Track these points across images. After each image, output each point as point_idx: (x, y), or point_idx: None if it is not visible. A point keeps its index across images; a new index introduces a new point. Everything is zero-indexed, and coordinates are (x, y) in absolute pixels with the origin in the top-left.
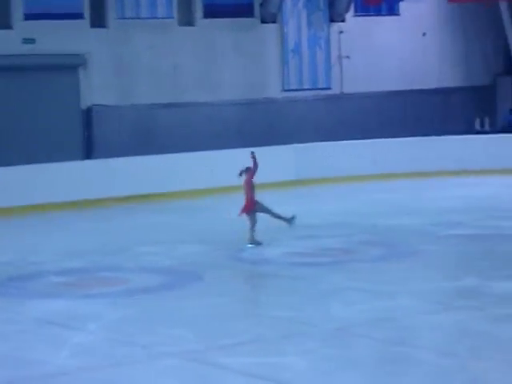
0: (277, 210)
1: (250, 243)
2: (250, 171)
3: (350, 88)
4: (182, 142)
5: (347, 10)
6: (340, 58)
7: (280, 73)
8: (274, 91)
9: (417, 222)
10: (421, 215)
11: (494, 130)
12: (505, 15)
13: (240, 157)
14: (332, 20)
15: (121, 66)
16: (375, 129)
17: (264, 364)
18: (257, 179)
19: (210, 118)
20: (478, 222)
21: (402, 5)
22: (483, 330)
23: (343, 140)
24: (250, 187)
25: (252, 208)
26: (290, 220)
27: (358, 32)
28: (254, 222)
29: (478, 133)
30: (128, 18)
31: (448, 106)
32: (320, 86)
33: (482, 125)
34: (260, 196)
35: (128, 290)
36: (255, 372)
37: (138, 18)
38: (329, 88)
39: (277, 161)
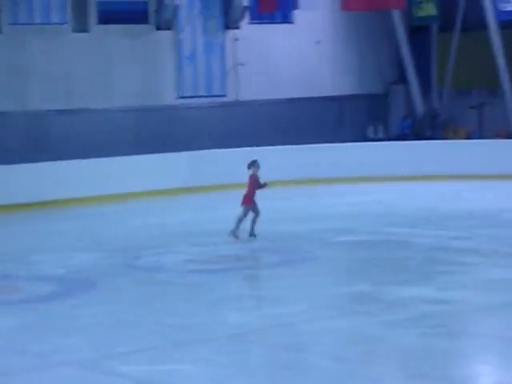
0: (171, 217)
1: (230, 234)
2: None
3: (245, 95)
4: (75, 149)
5: (242, 18)
6: (235, 65)
7: (175, 80)
8: (169, 98)
9: (310, 229)
10: (314, 222)
11: (388, 137)
12: (398, 24)
13: (135, 163)
14: (227, 27)
15: (14, 71)
16: (270, 136)
17: (159, 372)
18: (151, 186)
19: (105, 125)
20: (369, 229)
21: (296, 13)
22: (376, 335)
23: (238, 147)
24: (254, 183)
25: (249, 203)
26: (254, 234)
27: (253, 39)
28: (243, 217)
29: (371, 140)
30: (22, 24)
31: (342, 113)
32: (215, 93)
33: (376, 132)
34: (153, 203)
35: (21, 299)
36: (150, 380)
37: (32, 24)
38: (224, 95)
39: (171, 168)
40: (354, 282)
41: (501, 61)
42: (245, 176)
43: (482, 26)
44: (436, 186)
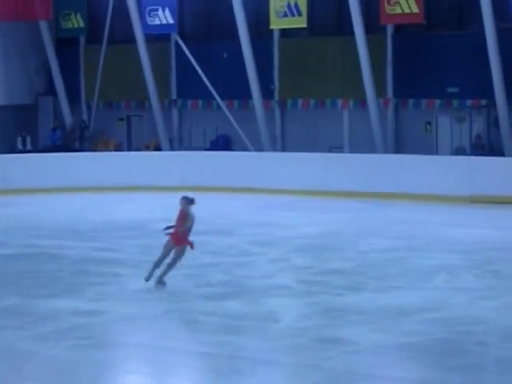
0: None
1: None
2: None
3: None
4: None
5: None
6: None
7: None
8: None
9: None
10: None
11: (37, 149)
12: (45, 35)
13: None
14: None
15: None
16: None
17: None
18: None
19: None
20: (18, 242)
21: None
22: (26, 349)
23: None
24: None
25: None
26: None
27: None
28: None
29: (19, 152)
30: None
31: None
32: None
33: (24, 144)
34: None
35: None
36: None
37: None
38: None
39: None
40: (4, 295)
41: (148, 73)
42: None
43: (130, 38)
44: (84, 197)
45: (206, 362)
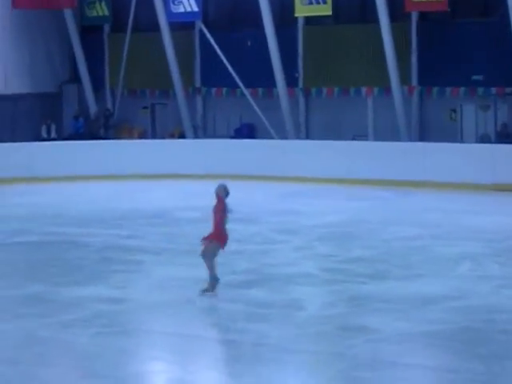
0: None
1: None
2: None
3: None
4: None
5: None
6: None
7: None
8: None
9: None
10: None
11: (61, 136)
12: (70, 23)
13: None
14: None
15: None
16: None
17: None
18: None
19: None
20: (44, 229)
21: None
22: (50, 336)
23: None
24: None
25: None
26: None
27: None
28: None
29: (44, 140)
30: None
31: (15, 112)
32: None
33: (49, 132)
34: None
35: None
36: None
37: None
38: None
39: None
40: (28, 283)
41: (172, 61)
42: None
43: (154, 26)
44: (108, 185)
45: (230, 349)
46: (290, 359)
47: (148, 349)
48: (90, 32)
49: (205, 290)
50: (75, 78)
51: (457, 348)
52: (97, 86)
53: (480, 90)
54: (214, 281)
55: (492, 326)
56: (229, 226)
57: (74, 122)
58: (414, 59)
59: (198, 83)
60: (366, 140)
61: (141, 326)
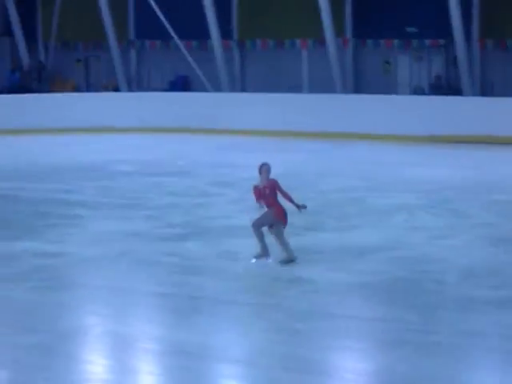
0: None
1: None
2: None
3: None
4: None
5: None
6: None
7: None
8: None
9: None
10: None
11: None
12: None
13: None
14: None
15: None
16: None
17: None
18: None
19: None
20: None
21: None
22: None
23: None
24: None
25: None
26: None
27: None
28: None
29: None
30: None
31: None
32: None
33: None
34: None
35: None
36: None
37: None
38: None
39: None
40: None
41: (105, 14)
42: None
43: None
44: (43, 139)
45: (166, 302)
46: (225, 311)
47: (85, 302)
48: None
49: (288, 261)
50: (8, 32)
51: (391, 298)
52: (30, 38)
53: (414, 42)
54: (290, 252)
55: (426, 276)
56: (163, 179)
57: (11, 74)
58: (348, 11)
59: (131, 35)
60: (301, 92)
61: (77, 280)
